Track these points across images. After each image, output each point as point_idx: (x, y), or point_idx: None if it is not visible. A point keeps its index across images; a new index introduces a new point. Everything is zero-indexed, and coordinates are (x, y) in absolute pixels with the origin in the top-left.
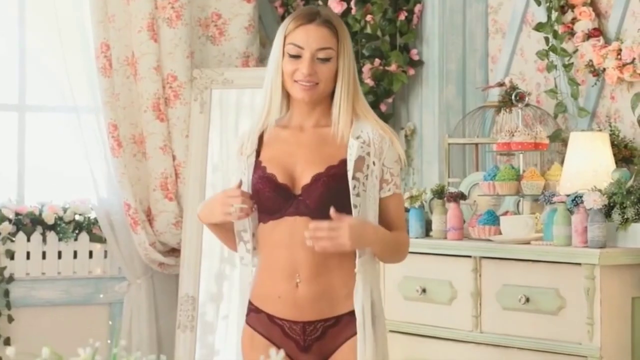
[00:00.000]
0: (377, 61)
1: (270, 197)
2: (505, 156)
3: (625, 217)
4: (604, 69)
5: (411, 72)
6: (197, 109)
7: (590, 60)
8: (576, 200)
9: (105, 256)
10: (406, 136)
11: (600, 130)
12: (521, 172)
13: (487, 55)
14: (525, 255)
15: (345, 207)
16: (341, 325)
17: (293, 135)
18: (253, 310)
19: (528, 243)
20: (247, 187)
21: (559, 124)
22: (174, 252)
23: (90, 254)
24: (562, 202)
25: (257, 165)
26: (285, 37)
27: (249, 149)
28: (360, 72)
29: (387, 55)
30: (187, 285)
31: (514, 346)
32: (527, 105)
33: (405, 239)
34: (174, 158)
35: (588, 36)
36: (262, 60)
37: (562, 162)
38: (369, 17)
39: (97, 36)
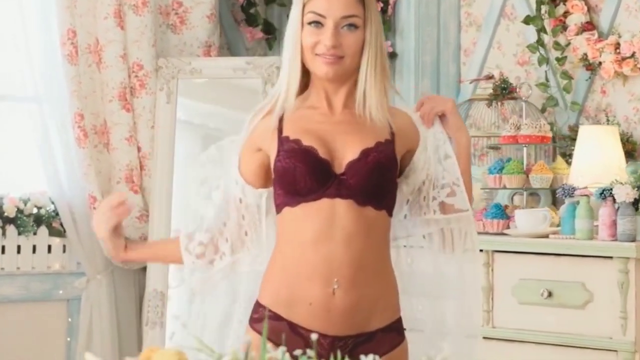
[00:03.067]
0: None
1: (307, 174)
2: (493, 150)
3: None
4: (600, 63)
5: None
6: (163, 99)
7: (585, 54)
8: (604, 193)
9: (64, 251)
10: None
11: (612, 124)
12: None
13: (460, 48)
14: (548, 249)
15: (387, 195)
16: (374, 343)
17: (323, 115)
18: (270, 317)
19: (546, 237)
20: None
21: (545, 117)
22: None
23: (49, 248)
24: (585, 195)
25: (284, 140)
26: (304, 6)
27: (271, 123)
28: None
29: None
30: (155, 280)
31: (531, 341)
32: (515, 98)
33: None
34: (139, 149)
35: (581, 30)
36: (229, 49)
37: (562, 156)
38: None
39: (63, 22)
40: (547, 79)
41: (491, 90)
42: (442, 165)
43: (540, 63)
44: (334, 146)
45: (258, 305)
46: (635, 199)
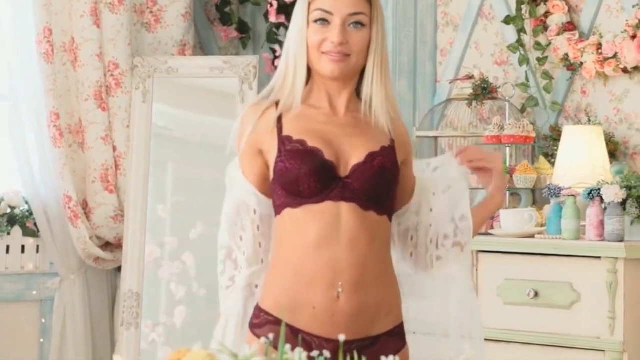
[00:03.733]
0: None
1: (311, 176)
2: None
3: None
4: (581, 63)
5: None
6: (139, 98)
7: (566, 54)
8: (592, 193)
9: (38, 251)
10: None
11: (593, 124)
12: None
13: (437, 48)
14: (535, 249)
15: (388, 200)
16: (378, 347)
17: (326, 116)
18: (271, 322)
19: (532, 236)
20: (271, 172)
21: (524, 117)
22: (109, 246)
23: (23, 248)
24: (572, 195)
25: (285, 139)
26: (309, 3)
27: (270, 122)
28: None
29: None
30: (131, 281)
31: (517, 341)
32: (495, 98)
33: None
34: (114, 149)
35: (562, 30)
36: (202, 48)
37: (545, 156)
38: None
39: (39, 20)
40: (527, 79)
41: (471, 90)
42: (455, 223)
43: (521, 63)
44: (339, 148)
45: (259, 310)
46: (623, 199)
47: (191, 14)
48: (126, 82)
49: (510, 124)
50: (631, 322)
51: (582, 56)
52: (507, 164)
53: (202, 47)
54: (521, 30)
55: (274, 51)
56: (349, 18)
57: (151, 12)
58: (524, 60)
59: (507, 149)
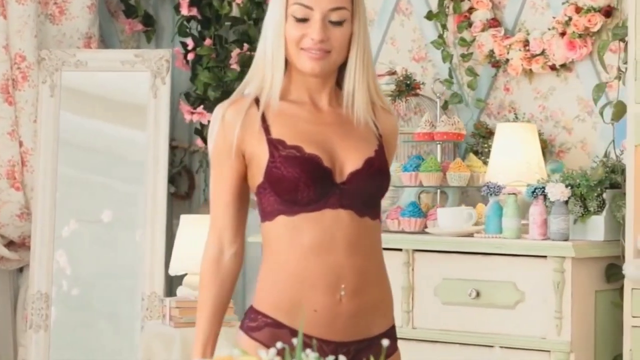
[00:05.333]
0: (245, 46)
1: (311, 184)
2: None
3: (587, 209)
4: (507, 60)
5: None
6: (46, 92)
7: (491, 51)
8: (536, 192)
9: None
10: None
11: (522, 121)
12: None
13: None
14: (477, 247)
15: (379, 204)
16: (374, 348)
17: (311, 113)
18: (270, 325)
19: (471, 235)
20: (261, 173)
21: (447, 114)
22: (12, 245)
23: None
24: (514, 193)
25: (277, 143)
26: None
27: (254, 122)
28: (228, 57)
29: (254, 40)
30: (39, 281)
31: (456, 342)
32: (419, 95)
33: None
34: (20, 144)
35: (487, 26)
36: (103, 41)
37: (475, 153)
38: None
39: None
40: (451, 76)
41: (394, 86)
42: None
43: (444, 60)
44: (333, 152)
45: (256, 313)
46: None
47: (96, 6)
48: (33, 76)
49: (443, 121)
50: (578, 321)
51: (508, 53)
52: (440, 162)
53: (103, 40)
54: (444, 27)
55: (185, 45)
56: (330, 13)
57: (55, 3)
58: (447, 57)
59: (439, 146)
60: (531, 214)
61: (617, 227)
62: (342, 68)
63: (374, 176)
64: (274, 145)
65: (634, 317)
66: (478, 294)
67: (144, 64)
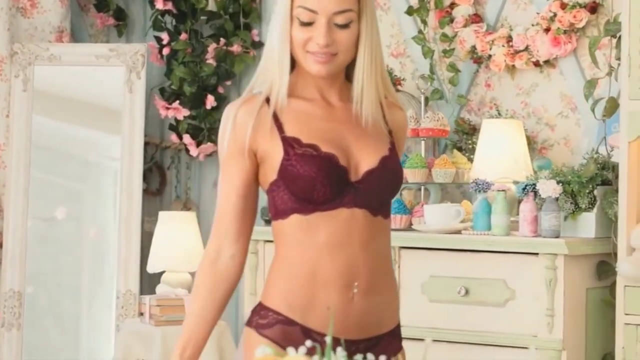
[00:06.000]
0: (222, 41)
1: (327, 183)
2: None
3: (578, 206)
4: (490, 56)
5: (251, 53)
6: (19, 87)
7: (473, 47)
8: (527, 188)
9: None
10: None
11: (505, 117)
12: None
13: None
14: (466, 244)
15: (389, 204)
16: (382, 345)
17: (323, 109)
18: (281, 322)
19: (459, 232)
20: (274, 170)
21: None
22: None
23: None
24: (503, 190)
25: (292, 141)
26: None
27: (267, 121)
28: (205, 52)
29: (231, 35)
30: (12, 280)
31: (444, 340)
32: (399, 91)
33: None
34: None
35: (469, 22)
36: (73, 35)
37: (459, 150)
38: None
39: None
40: (432, 72)
41: None
42: None
43: (425, 55)
44: (348, 150)
45: (266, 309)
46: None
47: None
48: (5, 70)
49: (427, 117)
50: (570, 319)
51: (490, 49)
52: (424, 158)
53: (73, 34)
54: (424, 22)
55: (159, 40)
56: (335, 17)
57: None
58: (429, 53)
59: (423, 142)
60: (521, 210)
61: (608, 224)
62: (352, 62)
63: (389, 175)
64: (289, 143)
65: (626, 314)
66: (467, 292)
67: (119, 58)
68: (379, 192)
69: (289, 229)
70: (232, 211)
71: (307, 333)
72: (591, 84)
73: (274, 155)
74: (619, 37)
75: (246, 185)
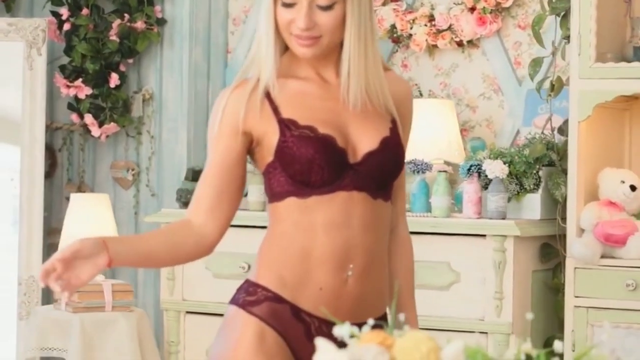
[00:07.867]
0: (126, 17)
1: (325, 165)
2: None
3: (523, 187)
4: (410, 35)
5: (155, 30)
6: None
7: (393, 25)
8: (472, 169)
9: None
10: (144, 100)
11: (431, 97)
12: None
13: (228, 16)
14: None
15: (391, 185)
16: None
17: (320, 87)
18: (270, 299)
19: None
20: (270, 152)
21: None
22: None
23: None
24: (444, 171)
25: (289, 122)
26: None
27: (258, 102)
28: (108, 28)
29: (135, 11)
30: None
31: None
32: None
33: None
34: None
35: (387, 0)
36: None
37: None
38: None
39: None
40: None
41: None
42: None
43: None
44: (346, 131)
45: (255, 286)
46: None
47: None
48: None
49: None
50: (519, 302)
51: (411, 28)
52: None
53: None
54: None
55: (58, 15)
56: None
57: None
58: None
59: None
60: (465, 191)
61: (553, 205)
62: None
63: (390, 157)
64: (285, 124)
65: (576, 297)
66: None
67: (18, 33)
68: (379, 175)
69: (284, 211)
70: (208, 186)
71: (297, 313)
72: (536, 63)
73: (270, 137)
74: (563, 15)
75: (228, 165)
